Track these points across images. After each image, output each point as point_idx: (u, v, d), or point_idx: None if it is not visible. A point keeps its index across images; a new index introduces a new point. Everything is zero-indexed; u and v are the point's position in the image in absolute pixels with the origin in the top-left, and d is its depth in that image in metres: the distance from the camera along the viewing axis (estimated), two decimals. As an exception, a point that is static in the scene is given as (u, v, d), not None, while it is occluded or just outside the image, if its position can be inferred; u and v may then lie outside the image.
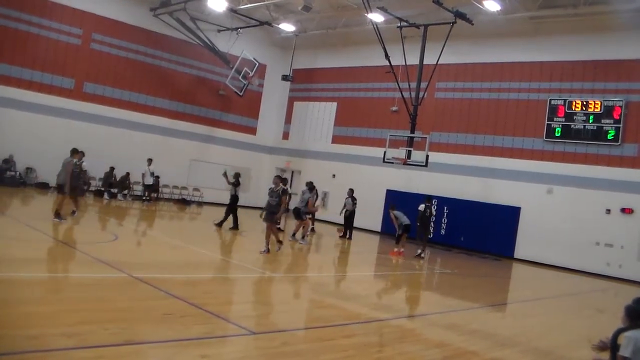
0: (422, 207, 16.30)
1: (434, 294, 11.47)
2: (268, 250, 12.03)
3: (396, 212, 15.96)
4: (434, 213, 19.17)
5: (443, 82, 22.39)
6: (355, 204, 19.32)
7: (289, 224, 18.99)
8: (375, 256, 17.11)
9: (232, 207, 16.49)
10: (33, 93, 21.16)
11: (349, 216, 19.15)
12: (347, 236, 18.99)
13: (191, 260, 9.25)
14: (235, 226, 16.28)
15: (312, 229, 19.12)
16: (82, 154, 13.81)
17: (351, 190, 19.53)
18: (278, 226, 17.83)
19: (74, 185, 13.35)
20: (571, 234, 18.40)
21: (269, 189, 12.29)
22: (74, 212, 13.56)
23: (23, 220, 12.76)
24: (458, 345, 6.83)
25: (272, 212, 12.07)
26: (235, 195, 16.63)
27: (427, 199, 16.94)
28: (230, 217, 16.39)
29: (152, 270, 8.95)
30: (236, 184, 16.70)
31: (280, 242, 12.58)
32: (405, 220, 15.81)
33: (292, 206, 16.44)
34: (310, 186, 16.68)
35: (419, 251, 16.30)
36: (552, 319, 9.82)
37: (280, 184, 12.37)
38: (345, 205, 19.28)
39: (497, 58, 21.23)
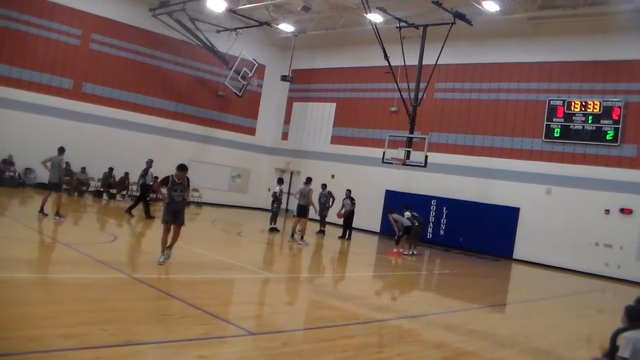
0: (408, 214, 16.37)
1: (433, 295, 11.47)
2: (167, 257, 9.44)
3: (395, 216, 16.09)
4: None
5: (442, 82, 22.40)
6: (354, 204, 19.36)
7: (287, 223, 18.98)
8: (375, 257, 17.11)
9: (143, 195, 16.91)
10: (32, 93, 21.15)
11: (348, 217, 19.19)
12: (347, 237, 19.01)
13: (190, 261, 9.25)
14: (147, 214, 16.60)
15: (322, 231, 19.19)
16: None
17: (349, 191, 19.59)
18: (274, 226, 17.96)
19: (59, 182, 13.58)
20: (570, 234, 18.41)
21: (171, 182, 9.44)
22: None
23: (22, 220, 12.74)
24: (457, 346, 6.83)
25: (178, 211, 9.54)
26: (145, 184, 16.92)
27: (406, 207, 16.90)
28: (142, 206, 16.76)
29: (151, 270, 8.94)
30: (144, 173, 17.13)
31: (169, 248, 9.56)
32: (405, 222, 15.93)
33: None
34: (307, 180, 16.59)
35: (412, 251, 16.56)
36: (551, 320, 9.83)
37: (186, 176, 9.63)
38: (343, 206, 19.31)
39: (496, 58, 21.24)
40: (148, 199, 22.41)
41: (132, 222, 15.51)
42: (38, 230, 11.81)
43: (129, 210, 16.63)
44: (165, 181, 9.46)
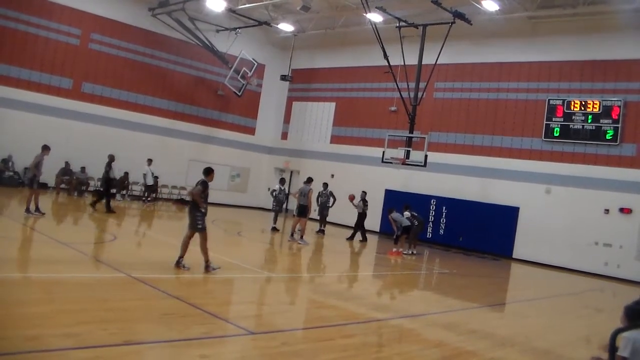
0: (407, 214, 16.39)
1: (432, 294, 11.47)
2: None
3: (394, 215, 16.11)
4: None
5: (442, 82, 22.39)
6: (367, 206, 19.32)
7: (287, 223, 18.98)
8: (374, 256, 17.11)
9: (107, 189, 16.81)
10: (31, 93, 21.12)
11: (360, 219, 19.18)
12: (360, 238, 19.00)
13: (190, 261, 9.23)
14: (107, 207, 16.35)
15: (322, 231, 19.17)
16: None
17: (364, 193, 19.53)
18: (274, 226, 17.95)
19: (33, 177, 13.64)
20: (570, 233, 18.41)
21: (201, 185, 9.28)
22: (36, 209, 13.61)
23: (21, 220, 12.74)
24: (457, 345, 6.83)
25: (203, 213, 9.33)
26: (109, 178, 16.81)
27: (406, 206, 16.92)
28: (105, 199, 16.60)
29: (151, 270, 8.95)
30: (107, 168, 16.98)
31: (180, 258, 9.18)
32: (405, 222, 15.95)
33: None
34: (308, 180, 16.57)
35: (411, 251, 16.59)
36: (551, 319, 9.83)
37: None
38: (356, 207, 19.28)
39: (495, 58, 21.22)
40: (145, 197, 22.49)
41: (130, 222, 15.49)
42: (37, 229, 11.80)
43: (94, 204, 16.31)
44: (206, 185, 9.24)
